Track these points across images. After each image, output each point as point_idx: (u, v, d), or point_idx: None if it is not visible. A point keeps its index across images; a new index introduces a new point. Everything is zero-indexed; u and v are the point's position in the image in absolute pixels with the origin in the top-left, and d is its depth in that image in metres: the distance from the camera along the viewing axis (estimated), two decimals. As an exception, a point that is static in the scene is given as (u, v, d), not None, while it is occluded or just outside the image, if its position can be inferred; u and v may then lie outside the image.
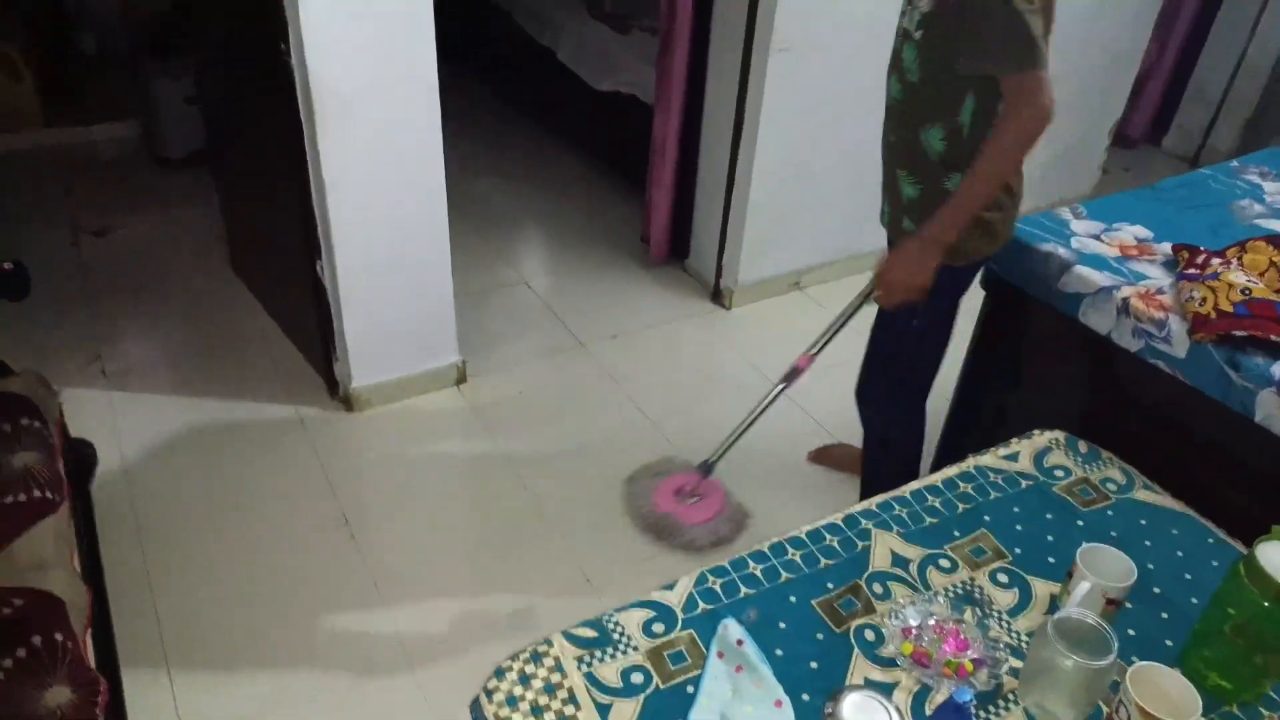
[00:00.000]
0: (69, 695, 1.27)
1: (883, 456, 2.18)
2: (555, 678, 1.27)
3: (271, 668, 1.94)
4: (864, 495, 2.19)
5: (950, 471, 1.70)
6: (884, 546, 1.52)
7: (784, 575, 1.45)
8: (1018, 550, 1.53)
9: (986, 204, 1.73)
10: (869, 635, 1.36)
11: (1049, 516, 1.61)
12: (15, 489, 1.58)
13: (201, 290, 3.13)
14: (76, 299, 3.03)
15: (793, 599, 1.41)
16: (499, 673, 1.27)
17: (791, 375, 2.16)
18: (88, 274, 3.17)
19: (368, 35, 2.16)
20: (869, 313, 2.04)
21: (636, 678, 1.28)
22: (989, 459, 1.73)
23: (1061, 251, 2.00)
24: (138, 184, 3.77)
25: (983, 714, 1.26)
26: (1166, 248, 2.04)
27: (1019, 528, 1.58)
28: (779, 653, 1.32)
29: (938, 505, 1.62)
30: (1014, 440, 1.79)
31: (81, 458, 2.14)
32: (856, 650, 1.34)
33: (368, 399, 2.64)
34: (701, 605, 1.39)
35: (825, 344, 2.12)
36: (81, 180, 3.78)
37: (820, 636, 1.36)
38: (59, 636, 1.34)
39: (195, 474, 2.40)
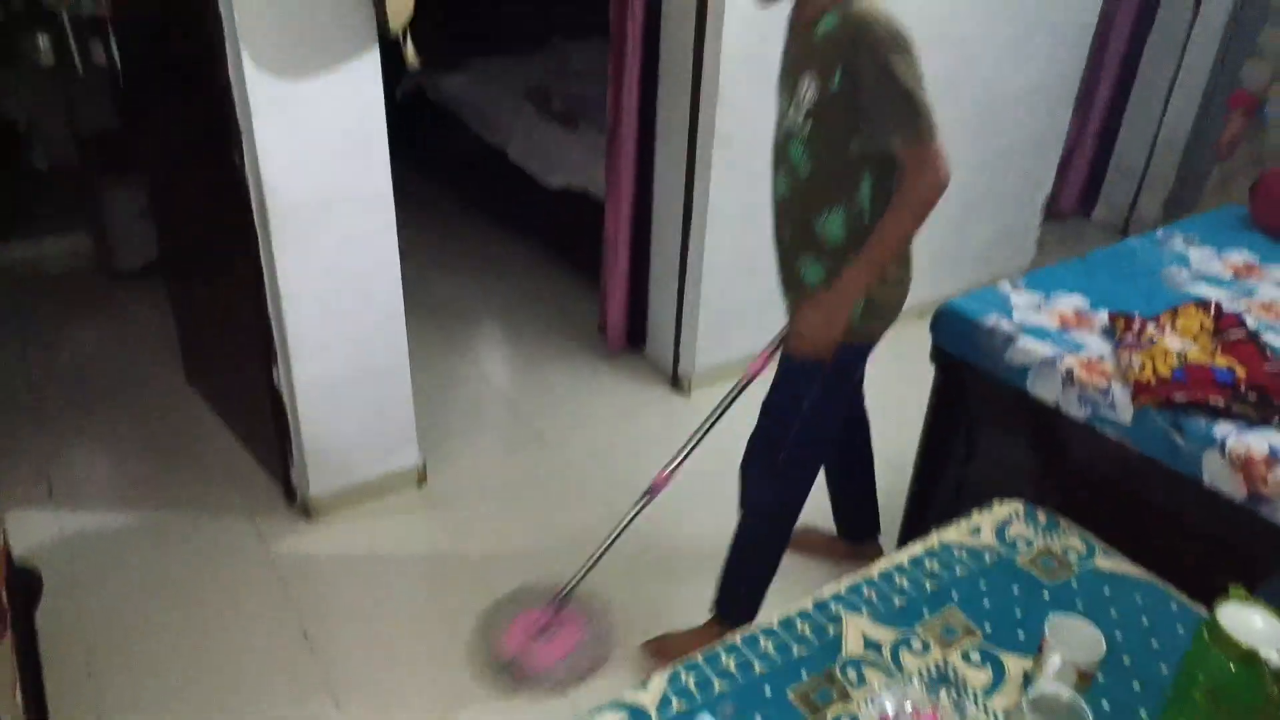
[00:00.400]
0: None
1: (758, 529, 2.13)
2: (530, 792, 1.23)
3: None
4: (731, 564, 2.15)
5: (916, 549, 1.71)
6: (855, 630, 1.51)
7: (758, 667, 1.44)
8: (987, 627, 1.53)
9: (886, 268, 1.79)
10: (846, 725, 1.34)
11: (1015, 590, 1.62)
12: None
13: (155, 403, 3.08)
14: (24, 417, 2.96)
15: (768, 691, 1.40)
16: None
17: (652, 492, 2.12)
18: (37, 390, 3.11)
19: (322, 148, 2.20)
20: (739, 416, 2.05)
21: (613, 786, 1.24)
22: (952, 533, 1.75)
23: (1004, 325, 2.07)
24: (90, 297, 3.74)
25: (966, 800, 1.24)
26: (1104, 316, 2.12)
27: (987, 603, 1.58)
28: (757, 750, 1.30)
29: (906, 585, 1.62)
30: (975, 512, 1.82)
31: (26, 585, 2.06)
32: (835, 742, 1.32)
33: (326, 506, 2.59)
34: (676, 704, 1.37)
35: (684, 458, 2.10)
36: (32, 295, 3.74)
37: (797, 729, 1.34)
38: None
39: (148, 595, 2.32)
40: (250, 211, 2.23)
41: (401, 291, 2.47)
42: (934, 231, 3.46)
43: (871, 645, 1.49)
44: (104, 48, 3.35)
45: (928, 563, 1.67)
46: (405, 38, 2.14)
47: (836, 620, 1.53)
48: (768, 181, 1.93)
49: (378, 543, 2.54)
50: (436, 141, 4.72)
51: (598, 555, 2.13)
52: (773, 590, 2.15)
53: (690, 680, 1.41)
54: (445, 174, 4.84)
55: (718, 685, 1.41)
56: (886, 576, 1.64)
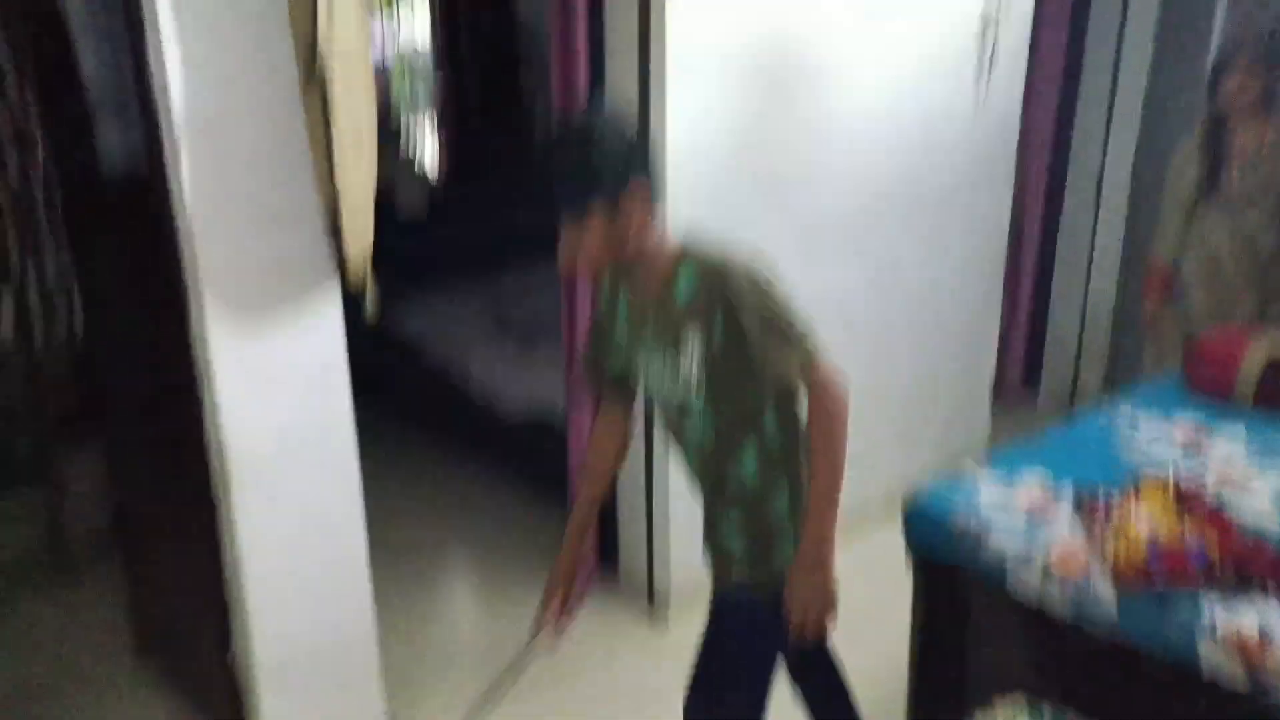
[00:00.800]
0: None
1: None
2: None
3: None
4: None
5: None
6: None
7: None
8: None
9: (838, 492, 1.73)
10: None
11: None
12: None
13: (105, 683, 2.89)
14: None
15: None
16: None
17: None
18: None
19: (283, 389, 2.21)
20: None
21: None
22: (959, 748, 1.65)
23: (974, 523, 2.04)
24: (38, 583, 3.57)
25: None
26: (1069, 492, 2.09)
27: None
28: None
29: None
30: (978, 713, 1.73)
31: None
32: None
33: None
34: None
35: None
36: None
37: None
38: None
39: None
40: (208, 463, 2.20)
41: (365, 541, 2.42)
42: (887, 422, 3.59)
43: None
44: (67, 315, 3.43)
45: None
46: (365, 287, 2.20)
47: None
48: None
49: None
50: (396, 375, 4.77)
51: None
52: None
53: None
54: (407, 407, 4.86)
55: None
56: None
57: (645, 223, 1.66)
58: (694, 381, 1.72)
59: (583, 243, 1.64)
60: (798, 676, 2.09)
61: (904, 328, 3.60)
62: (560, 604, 1.96)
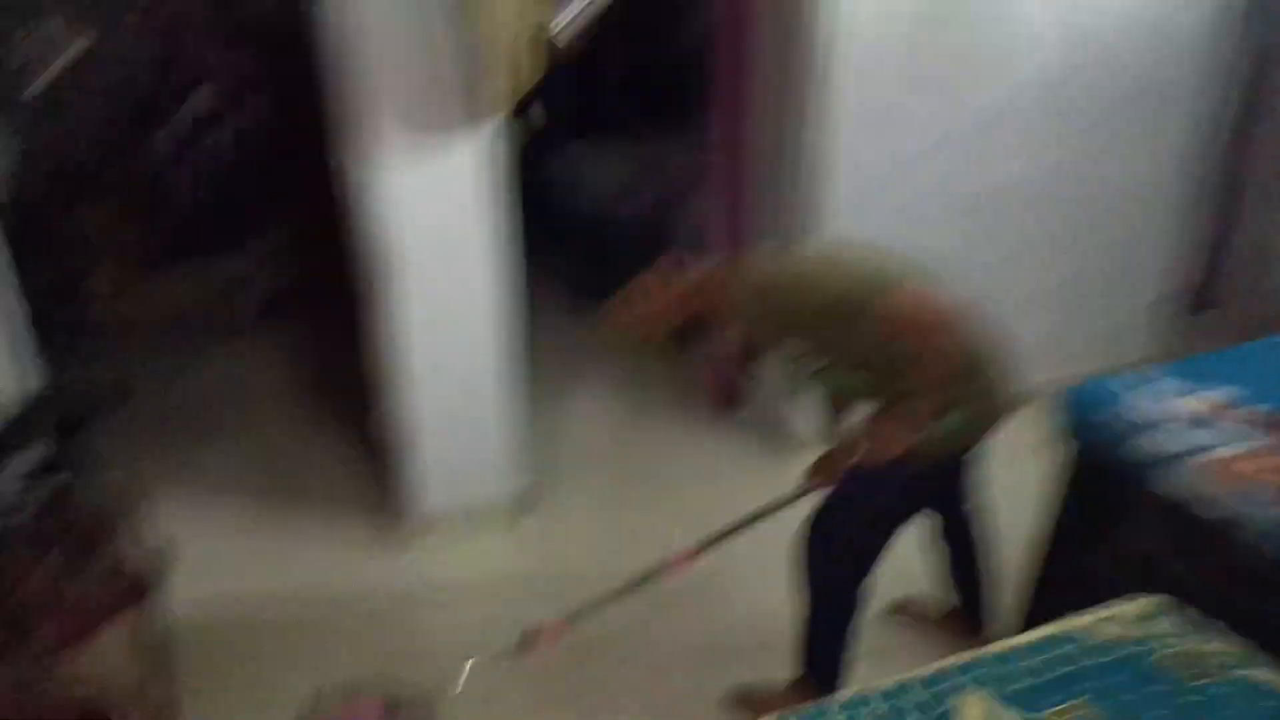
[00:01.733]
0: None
1: (819, 606, 2.04)
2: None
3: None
4: (802, 631, 2.06)
5: (1044, 633, 1.60)
6: (975, 707, 1.42)
7: (866, 732, 1.36)
8: (1122, 722, 1.41)
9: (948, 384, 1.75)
10: (964, 804, 1.25)
11: (1153, 689, 1.49)
12: (105, 581, 1.62)
13: (279, 418, 3.25)
14: (161, 427, 3.15)
15: (877, 758, 1.32)
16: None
17: (669, 572, 2.05)
18: (173, 406, 3.32)
19: (437, 200, 2.33)
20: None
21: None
22: (1086, 621, 1.63)
23: (1141, 417, 1.94)
24: (221, 334, 3.94)
25: None
26: (1252, 411, 1.97)
27: (1123, 697, 1.46)
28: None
29: (1031, 668, 1.51)
30: (1113, 603, 1.69)
31: (157, 564, 2.17)
32: (951, 819, 1.22)
33: (431, 528, 2.65)
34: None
35: (717, 544, 2.03)
36: (173, 328, 3.99)
37: (910, 801, 1.25)
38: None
39: (259, 595, 2.41)
40: (368, 249, 2.36)
41: (517, 318, 2.56)
42: (1044, 317, 3.42)
43: (994, 725, 1.39)
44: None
45: (1056, 649, 1.56)
46: (524, 107, 2.24)
47: (956, 692, 1.44)
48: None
49: (474, 568, 2.59)
50: (550, 213, 4.83)
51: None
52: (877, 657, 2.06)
53: (797, 732, 1.35)
54: (554, 238, 4.93)
55: (821, 747, 1.34)
56: (1009, 657, 1.53)
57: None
58: (805, 367, 1.86)
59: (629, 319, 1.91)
60: (948, 535, 2.17)
61: (1082, 225, 3.40)
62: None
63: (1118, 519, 2.08)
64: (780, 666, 2.12)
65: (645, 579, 2.04)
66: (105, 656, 1.50)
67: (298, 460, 3.02)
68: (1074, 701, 1.45)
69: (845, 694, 1.43)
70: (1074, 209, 3.38)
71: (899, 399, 1.78)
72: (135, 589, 1.66)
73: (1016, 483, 2.37)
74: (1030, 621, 1.65)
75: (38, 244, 3.33)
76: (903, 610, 2.42)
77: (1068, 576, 2.16)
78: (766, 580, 2.27)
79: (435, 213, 2.34)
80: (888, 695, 1.43)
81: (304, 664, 2.21)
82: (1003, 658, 1.53)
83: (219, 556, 2.58)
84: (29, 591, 1.57)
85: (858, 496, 1.93)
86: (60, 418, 1.95)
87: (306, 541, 2.64)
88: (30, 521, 1.75)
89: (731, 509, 2.94)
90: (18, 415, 1.89)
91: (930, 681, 1.46)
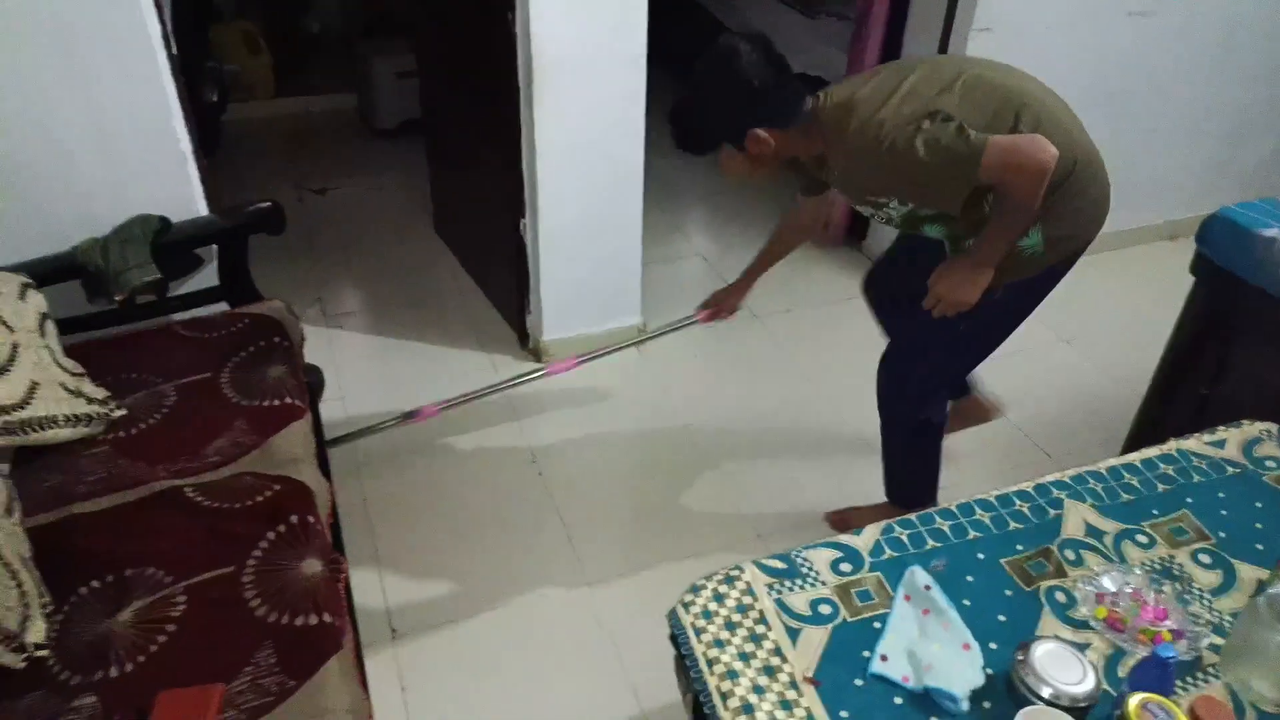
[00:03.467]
0: (319, 568, 1.45)
1: (917, 443, 2.10)
2: (747, 600, 1.35)
3: (467, 576, 2.13)
4: (887, 457, 2.15)
5: (1150, 452, 1.66)
6: (1077, 517, 1.51)
7: (971, 534, 1.47)
8: (1222, 534, 1.49)
9: (1020, 236, 1.72)
10: (1060, 597, 1.36)
11: (1258, 505, 1.54)
12: (271, 395, 1.81)
13: (407, 248, 3.41)
14: (300, 248, 3.36)
15: (981, 556, 1.43)
16: (694, 589, 1.37)
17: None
18: (309, 227, 3.51)
19: (587, 7, 2.31)
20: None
21: (825, 609, 1.34)
22: (1193, 443, 1.68)
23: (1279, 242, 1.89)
24: (352, 151, 4.13)
25: (1179, 685, 1.24)
26: None
27: (1224, 513, 1.53)
28: (966, 603, 1.35)
29: (1135, 483, 1.58)
30: (1221, 428, 1.73)
31: (313, 380, 2.39)
32: (1046, 608, 1.35)
33: (555, 352, 2.81)
34: (888, 551, 1.44)
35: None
36: (305, 145, 4.18)
37: (1009, 593, 1.37)
38: (310, 519, 1.54)
39: (400, 409, 2.63)
40: (515, 67, 2.38)
41: (644, 151, 2.59)
42: (1200, 150, 3.22)
43: (1094, 532, 1.48)
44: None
45: (1162, 466, 1.63)
46: None
47: (1057, 504, 1.53)
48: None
49: (598, 388, 2.75)
50: (671, 25, 4.70)
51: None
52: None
53: (903, 534, 1.47)
54: (674, 59, 4.83)
55: (930, 542, 1.46)
56: (1115, 472, 1.61)
57: (783, 143, 1.80)
58: (904, 213, 1.80)
59: (730, 165, 1.91)
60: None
61: (1250, 41, 3.11)
62: (721, 309, 2.33)
63: (1247, 347, 2.06)
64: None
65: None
66: (290, 445, 1.70)
67: (429, 289, 3.20)
68: (1174, 514, 1.52)
69: (953, 503, 1.53)
70: (1251, 18, 3.11)
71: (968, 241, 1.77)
72: (301, 395, 1.85)
73: (1133, 321, 2.35)
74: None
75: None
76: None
77: (1187, 407, 2.18)
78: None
79: (592, 13, 2.33)
80: (990, 504, 1.53)
81: (456, 464, 2.45)
82: (1108, 474, 1.60)
83: (367, 363, 2.81)
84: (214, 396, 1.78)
85: (938, 329, 1.94)
86: (223, 241, 2.13)
87: (444, 362, 2.84)
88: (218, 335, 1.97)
89: (840, 336, 3.02)
90: (188, 236, 2.07)
91: (1032, 492, 1.55)
